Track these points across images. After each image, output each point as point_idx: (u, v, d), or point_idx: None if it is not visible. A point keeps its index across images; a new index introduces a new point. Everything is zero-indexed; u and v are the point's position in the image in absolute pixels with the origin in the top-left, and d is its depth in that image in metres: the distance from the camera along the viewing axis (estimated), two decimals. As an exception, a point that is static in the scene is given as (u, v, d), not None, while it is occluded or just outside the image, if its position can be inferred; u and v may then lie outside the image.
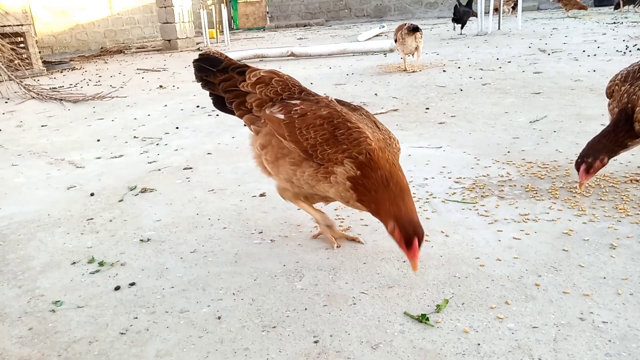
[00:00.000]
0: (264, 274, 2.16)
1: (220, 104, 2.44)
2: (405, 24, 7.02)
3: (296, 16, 23.37)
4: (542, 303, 1.82)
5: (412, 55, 7.26)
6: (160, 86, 7.78)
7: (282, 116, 2.13)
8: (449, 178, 3.10)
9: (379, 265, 2.16)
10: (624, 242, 2.18)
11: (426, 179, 3.12)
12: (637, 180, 2.80)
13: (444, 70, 7.13)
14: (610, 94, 2.86)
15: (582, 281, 1.93)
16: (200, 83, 2.46)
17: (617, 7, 14.38)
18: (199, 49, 14.32)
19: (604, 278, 1.93)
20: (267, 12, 24.13)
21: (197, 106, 5.99)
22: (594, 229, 2.33)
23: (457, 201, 2.76)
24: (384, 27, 15.13)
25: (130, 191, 3.29)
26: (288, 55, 10.32)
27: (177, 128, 4.95)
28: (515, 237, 2.31)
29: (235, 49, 13.23)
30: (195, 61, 2.45)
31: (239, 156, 3.90)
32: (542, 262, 2.08)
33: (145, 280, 2.19)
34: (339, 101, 2.26)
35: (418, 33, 6.80)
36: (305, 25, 22.40)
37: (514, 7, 13.37)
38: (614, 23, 11.53)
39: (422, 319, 1.77)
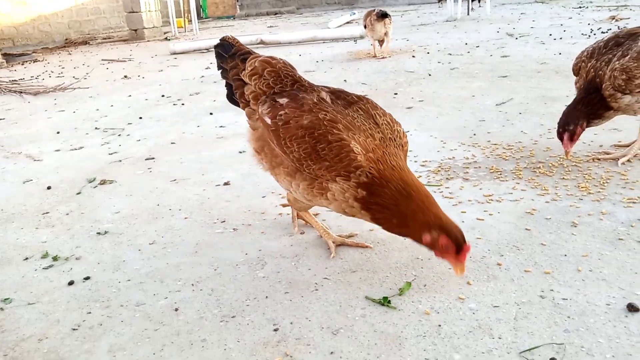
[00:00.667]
0: (225, 264, 2.10)
1: (231, 94, 2.25)
2: (374, 10, 6.97)
3: (267, 4, 23.07)
4: (503, 282, 1.81)
5: (382, 41, 7.21)
6: (125, 76, 7.56)
7: (269, 120, 1.95)
8: (415, 162, 3.08)
9: (343, 250, 2.12)
10: (585, 219, 2.19)
11: (392, 163, 3.09)
12: (598, 159, 2.83)
13: (413, 56, 7.11)
14: (577, 70, 2.88)
15: (544, 259, 1.93)
16: (220, 71, 2.30)
17: None
18: (166, 39, 14.00)
19: (565, 255, 1.94)
20: (237, 1, 23.76)
21: (162, 95, 5.84)
22: (556, 207, 2.33)
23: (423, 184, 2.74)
24: (354, 14, 15.04)
25: (89, 183, 3.18)
26: (258, 43, 10.16)
27: (140, 118, 4.81)
28: (479, 217, 2.30)
29: (204, 37, 12.98)
30: (214, 47, 2.33)
31: (203, 145, 3.80)
32: (504, 242, 2.07)
33: (100, 274, 2.11)
34: (336, 92, 2.02)
35: (387, 19, 6.76)
36: (276, 14, 22.14)
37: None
38: (580, 7, 11.70)
39: (384, 302, 1.74)
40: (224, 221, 2.49)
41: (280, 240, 2.26)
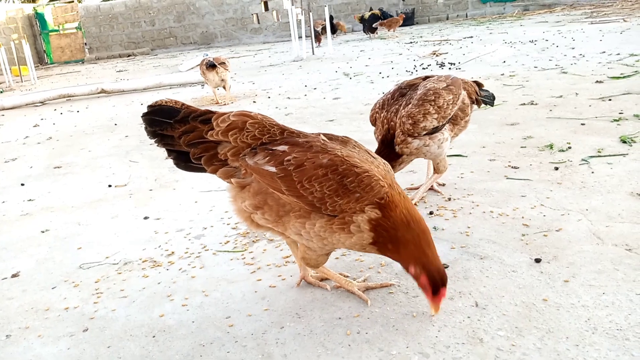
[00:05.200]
0: (-18, 385, 1.86)
1: (184, 161, 2.11)
2: (204, 60, 6.99)
3: (118, 46, 22.16)
4: (276, 360, 1.83)
5: (224, 87, 7.24)
6: None
7: (273, 169, 1.92)
8: (228, 224, 3.07)
9: (124, 347, 2.00)
10: (366, 273, 2.33)
11: (205, 228, 3.05)
12: (391, 205, 3.06)
13: (254, 101, 7.24)
14: (373, 122, 3.11)
15: (319, 325, 1.99)
16: (154, 140, 2.11)
17: (371, 31, 16.19)
18: (0, 91, 12.73)
19: (339, 318, 2.02)
20: (85, 44, 22.51)
21: (-28, 166, 5.21)
22: (344, 263, 2.45)
23: (228, 251, 2.73)
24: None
25: None
26: (98, 93, 9.64)
27: None
28: (272, 284, 2.33)
29: (42, 88, 12.02)
30: (145, 115, 2.09)
31: (2, 226, 3.42)
32: (288, 310, 2.11)
33: None
34: (327, 136, 2.09)
35: (217, 68, 6.80)
36: (129, 56, 21.35)
37: (323, 31, 14.24)
38: (411, 42, 12.92)
39: (150, 406, 1.65)
40: (-2, 327, 2.23)
41: (58, 343, 2.07)
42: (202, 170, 2.10)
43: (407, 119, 2.86)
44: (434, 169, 3.09)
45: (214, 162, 2.06)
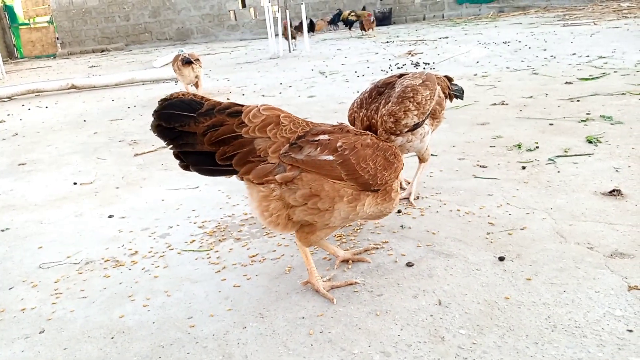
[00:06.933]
0: None
1: (201, 162, 1.89)
2: (180, 55, 6.89)
3: (92, 41, 21.70)
4: (236, 361, 1.79)
5: (195, 85, 7.15)
6: None
7: (330, 157, 1.95)
8: (195, 223, 3.01)
9: (81, 349, 1.94)
10: (332, 272, 2.31)
11: (171, 227, 2.99)
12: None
13: (228, 99, 7.15)
14: (352, 121, 3.07)
15: (282, 325, 1.97)
16: (167, 142, 1.88)
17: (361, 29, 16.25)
18: (-36, 85, 12.31)
19: (303, 318, 2.00)
20: (57, 38, 21.98)
21: None
22: (310, 262, 2.43)
23: (193, 250, 2.68)
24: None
25: None
26: (69, 88, 9.42)
27: None
28: (236, 284, 2.29)
29: (11, 83, 11.69)
30: (161, 109, 1.84)
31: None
32: (251, 310, 2.08)
33: None
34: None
35: (193, 65, 6.71)
36: (102, 51, 20.93)
37: (299, 29, 14.18)
38: (387, 42, 12.96)
39: (105, 410, 1.61)
40: (-51, 329, 2.14)
41: (12, 345, 2.00)
42: (225, 173, 1.93)
43: (389, 117, 2.84)
44: (419, 159, 3.11)
45: (251, 159, 1.90)
